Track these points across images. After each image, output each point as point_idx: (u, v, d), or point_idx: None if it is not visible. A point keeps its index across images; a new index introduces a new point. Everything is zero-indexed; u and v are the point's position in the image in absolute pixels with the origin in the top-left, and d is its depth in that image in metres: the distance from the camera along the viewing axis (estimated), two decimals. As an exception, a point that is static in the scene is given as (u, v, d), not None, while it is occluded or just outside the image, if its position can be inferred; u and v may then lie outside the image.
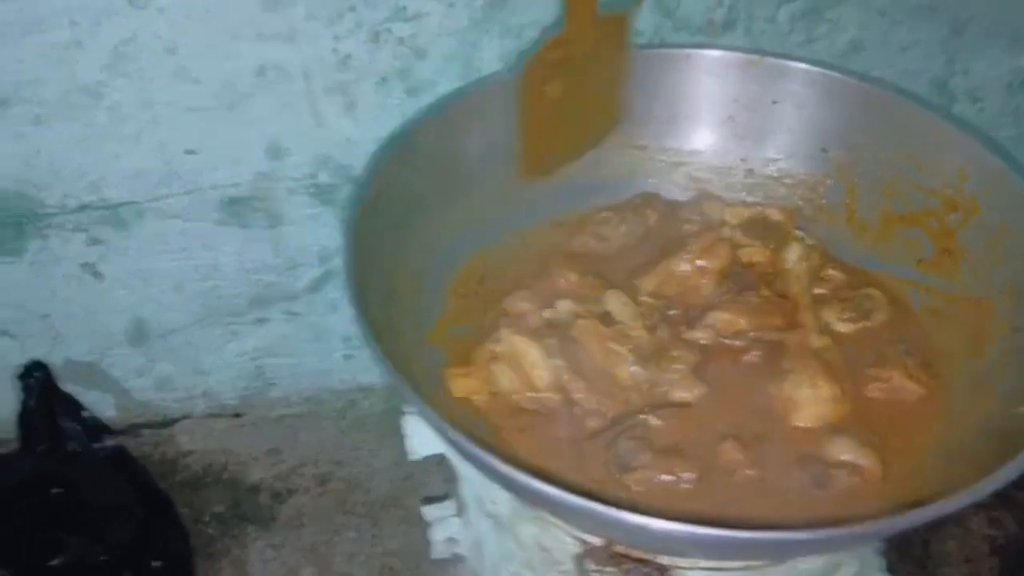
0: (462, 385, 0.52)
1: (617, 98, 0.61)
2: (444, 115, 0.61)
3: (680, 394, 0.51)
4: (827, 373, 0.51)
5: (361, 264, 0.51)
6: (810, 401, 0.50)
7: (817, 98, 0.60)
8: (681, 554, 0.45)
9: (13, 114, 0.66)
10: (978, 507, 0.78)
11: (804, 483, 0.48)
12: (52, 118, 0.67)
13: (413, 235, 0.57)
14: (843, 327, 0.55)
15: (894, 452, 0.50)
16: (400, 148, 0.58)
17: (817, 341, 0.53)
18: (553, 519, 0.48)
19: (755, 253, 0.57)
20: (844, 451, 0.49)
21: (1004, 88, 0.82)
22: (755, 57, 0.61)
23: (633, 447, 0.47)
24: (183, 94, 0.68)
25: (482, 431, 0.50)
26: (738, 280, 0.56)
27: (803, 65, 0.60)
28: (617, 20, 0.58)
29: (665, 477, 0.47)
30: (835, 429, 0.50)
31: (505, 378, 0.51)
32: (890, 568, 0.62)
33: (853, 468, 0.48)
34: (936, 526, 0.77)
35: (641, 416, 0.49)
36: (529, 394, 0.51)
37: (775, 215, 0.60)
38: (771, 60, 0.61)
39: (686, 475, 0.47)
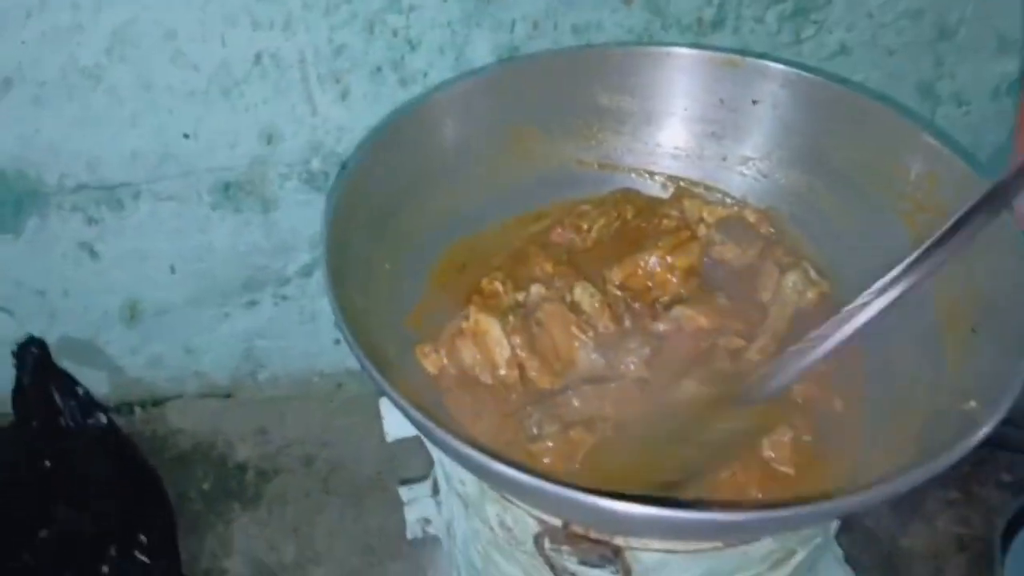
0: (432, 362, 0.53)
1: None
2: (431, 105, 0.62)
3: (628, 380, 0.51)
4: None
5: (340, 248, 0.52)
6: None
7: (794, 100, 0.61)
8: (632, 534, 0.46)
9: (14, 95, 0.68)
10: (946, 504, 0.79)
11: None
12: (51, 99, 0.69)
13: (396, 222, 0.58)
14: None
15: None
16: (386, 136, 0.59)
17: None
18: (512, 498, 0.49)
19: (728, 251, 0.58)
20: None
21: (990, 92, 0.82)
22: (735, 57, 0.62)
23: (543, 419, 0.48)
24: (180, 79, 0.70)
25: (442, 408, 0.52)
26: (710, 279, 0.57)
27: (781, 67, 0.61)
28: None
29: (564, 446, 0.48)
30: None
31: (468, 354, 0.52)
32: (852, 561, 0.63)
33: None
34: (904, 523, 0.78)
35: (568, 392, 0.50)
36: (492, 370, 0.52)
37: (751, 215, 0.61)
38: (752, 61, 0.61)
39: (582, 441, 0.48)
